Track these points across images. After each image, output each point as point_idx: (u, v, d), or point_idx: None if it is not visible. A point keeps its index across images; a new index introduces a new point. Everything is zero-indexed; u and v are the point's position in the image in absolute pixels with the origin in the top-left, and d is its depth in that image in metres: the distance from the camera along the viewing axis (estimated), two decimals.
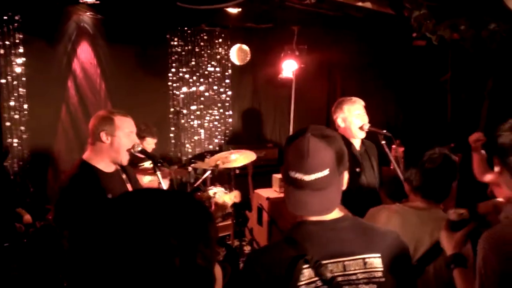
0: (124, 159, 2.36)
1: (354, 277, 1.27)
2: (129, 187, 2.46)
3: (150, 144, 4.18)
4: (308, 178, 1.26)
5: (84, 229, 0.82)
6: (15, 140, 4.56)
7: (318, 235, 1.31)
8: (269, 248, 1.54)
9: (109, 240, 0.76)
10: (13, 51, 4.48)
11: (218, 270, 0.87)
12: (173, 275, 0.75)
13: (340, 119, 2.94)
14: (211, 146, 5.83)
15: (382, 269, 1.29)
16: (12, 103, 4.51)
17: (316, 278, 1.24)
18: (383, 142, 2.96)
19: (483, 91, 4.53)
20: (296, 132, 1.35)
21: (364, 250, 1.30)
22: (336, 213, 1.35)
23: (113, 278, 0.74)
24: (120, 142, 2.32)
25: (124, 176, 2.46)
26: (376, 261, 1.30)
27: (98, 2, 4.33)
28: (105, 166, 2.36)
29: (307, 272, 1.24)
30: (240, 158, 4.14)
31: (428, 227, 1.85)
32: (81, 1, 4.32)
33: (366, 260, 1.29)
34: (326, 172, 1.27)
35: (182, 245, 0.77)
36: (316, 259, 1.24)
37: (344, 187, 1.37)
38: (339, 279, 1.26)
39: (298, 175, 1.27)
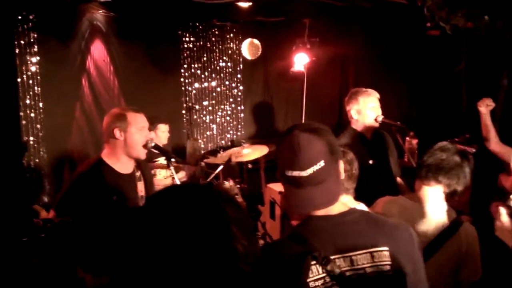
0: (141, 153, 2.39)
1: (362, 271, 1.25)
2: (140, 185, 2.48)
3: (164, 131, 4.22)
4: (305, 173, 1.24)
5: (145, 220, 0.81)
6: (31, 138, 4.64)
7: (325, 230, 1.29)
8: (277, 244, 1.53)
9: (175, 232, 0.76)
10: (28, 50, 4.55)
11: None
12: (238, 263, 0.76)
13: (354, 111, 2.90)
14: (223, 141, 5.85)
15: (390, 262, 1.27)
16: (27, 102, 4.58)
17: (325, 274, 1.23)
18: (397, 134, 2.93)
19: (499, 80, 4.45)
20: (283, 133, 1.33)
21: (372, 244, 1.28)
22: (343, 207, 1.33)
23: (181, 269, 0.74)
24: (133, 137, 2.34)
25: (138, 173, 2.48)
26: (384, 255, 1.27)
27: (110, 0, 4.36)
28: (121, 166, 2.38)
29: (315, 268, 1.23)
30: (253, 152, 4.15)
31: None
32: None
33: (374, 253, 1.27)
34: (322, 163, 1.24)
35: (241, 233, 0.78)
36: (324, 255, 1.22)
37: (343, 176, 1.35)
38: (348, 274, 1.24)
39: (295, 173, 1.24)
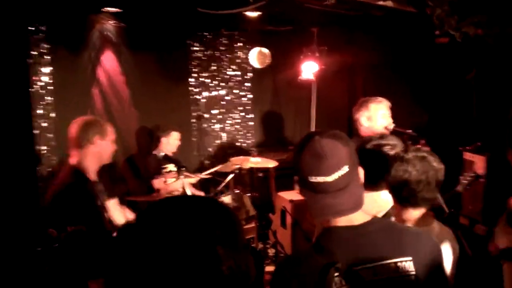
0: (108, 160, 2.58)
1: (385, 281, 1.25)
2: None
3: (176, 138, 4.28)
4: (330, 178, 1.24)
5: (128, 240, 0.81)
6: (44, 147, 4.68)
7: (348, 241, 1.28)
8: (299, 256, 1.53)
9: (159, 253, 0.75)
10: (39, 61, 4.61)
11: None
12: (222, 284, 0.75)
13: (364, 118, 2.91)
14: (233, 150, 5.87)
15: (414, 272, 1.27)
16: (40, 111, 4.64)
17: (348, 285, 1.23)
18: (409, 142, 2.92)
19: (509, 87, 4.41)
20: (303, 139, 1.32)
21: (395, 254, 1.27)
22: (365, 217, 1.32)
23: None
24: (108, 146, 2.54)
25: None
26: (408, 265, 1.27)
27: (120, 10, 4.42)
28: (92, 174, 2.52)
29: (338, 280, 1.23)
30: (262, 162, 4.16)
31: None
32: (104, 10, 4.43)
33: (398, 264, 1.27)
34: (346, 168, 1.25)
35: (228, 253, 0.77)
36: (346, 267, 1.22)
37: (362, 180, 1.35)
38: (371, 284, 1.24)
39: (320, 179, 1.24)
